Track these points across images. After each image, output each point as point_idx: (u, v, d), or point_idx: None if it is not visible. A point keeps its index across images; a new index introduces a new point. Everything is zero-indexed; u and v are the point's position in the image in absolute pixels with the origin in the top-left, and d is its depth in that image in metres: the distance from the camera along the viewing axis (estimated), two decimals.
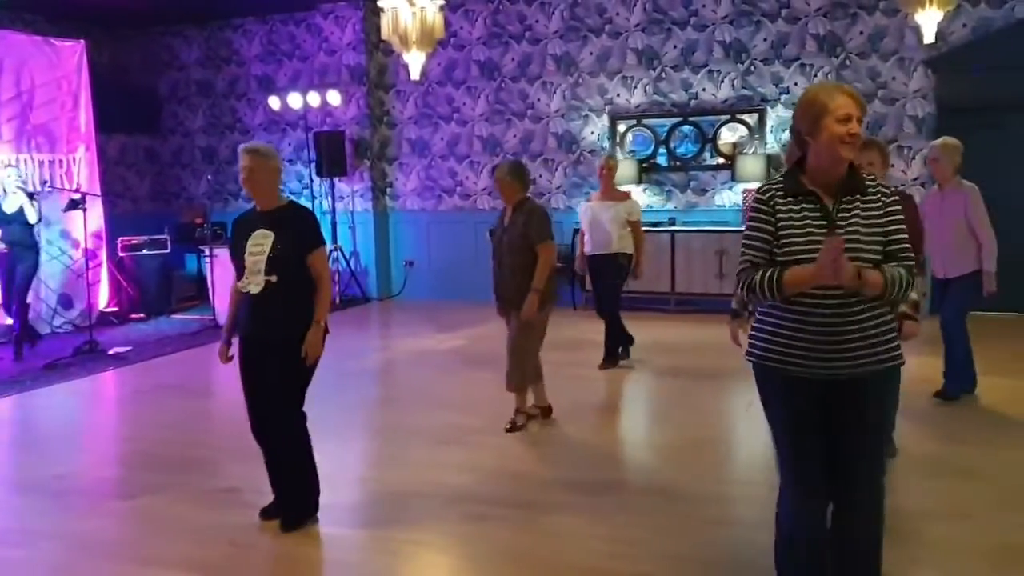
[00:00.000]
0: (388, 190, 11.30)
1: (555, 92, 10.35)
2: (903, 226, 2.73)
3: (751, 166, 9.33)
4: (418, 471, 4.74)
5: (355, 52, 11.03)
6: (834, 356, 2.66)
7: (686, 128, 9.84)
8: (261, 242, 3.93)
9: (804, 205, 2.72)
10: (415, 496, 4.40)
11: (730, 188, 9.68)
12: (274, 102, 11.10)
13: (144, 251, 10.44)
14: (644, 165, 9.95)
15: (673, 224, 9.68)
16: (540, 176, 10.37)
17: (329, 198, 10.96)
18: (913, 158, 8.96)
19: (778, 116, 9.43)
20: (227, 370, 4.20)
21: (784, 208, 2.73)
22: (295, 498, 4.07)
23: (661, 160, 9.98)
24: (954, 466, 4.65)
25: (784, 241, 2.71)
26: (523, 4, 10.37)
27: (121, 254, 10.34)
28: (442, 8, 7.20)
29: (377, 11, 7.46)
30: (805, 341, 2.68)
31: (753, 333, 2.84)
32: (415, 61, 7.35)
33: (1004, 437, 5.14)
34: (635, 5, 9.90)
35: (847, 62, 9.18)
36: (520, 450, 5.11)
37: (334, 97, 10.86)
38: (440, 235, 11.00)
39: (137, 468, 5.06)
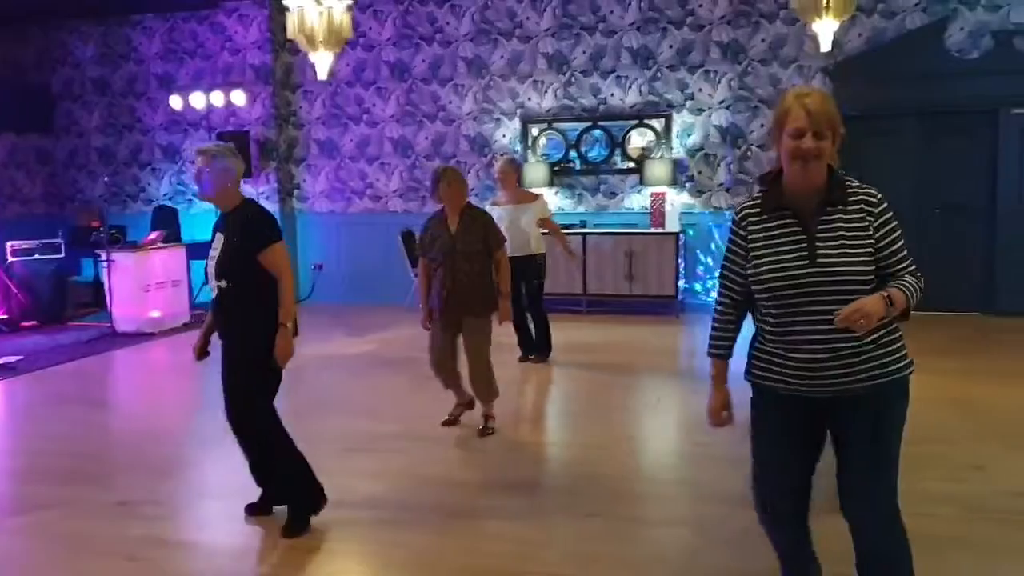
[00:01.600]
0: (296, 192, 11.08)
1: (467, 95, 10.32)
2: (899, 234, 2.54)
3: (658, 170, 9.49)
4: (328, 479, 4.62)
5: (260, 51, 10.78)
6: (830, 374, 2.51)
7: (596, 132, 9.96)
8: (217, 246, 3.87)
9: (780, 221, 2.55)
10: (327, 505, 4.31)
11: (639, 192, 9.83)
12: (175, 101, 10.74)
13: (36, 256, 9.93)
14: (556, 168, 10.02)
15: (584, 227, 9.77)
16: None
17: None
18: None
19: (684, 121, 9.62)
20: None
21: (757, 227, 2.58)
22: (287, 500, 4.01)
23: (572, 164, 10.06)
24: None
25: (756, 261, 2.56)
26: (433, 6, 10.31)
27: (11, 259, 9.82)
28: (350, 8, 7.09)
29: (283, 10, 7.29)
30: (798, 361, 2.53)
31: (753, 352, 2.70)
32: (322, 61, 7.22)
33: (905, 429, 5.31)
34: (544, 10, 9.97)
35: (749, 69, 9.43)
36: (434, 455, 5.06)
37: (238, 97, 10.59)
38: (350, 238, 10.84)
39: (28, 482, 4.80)
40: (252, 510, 4.12)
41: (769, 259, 2.52)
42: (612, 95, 9.86)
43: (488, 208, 6.83)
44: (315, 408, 5.94)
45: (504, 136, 10.24)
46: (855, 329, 2.37)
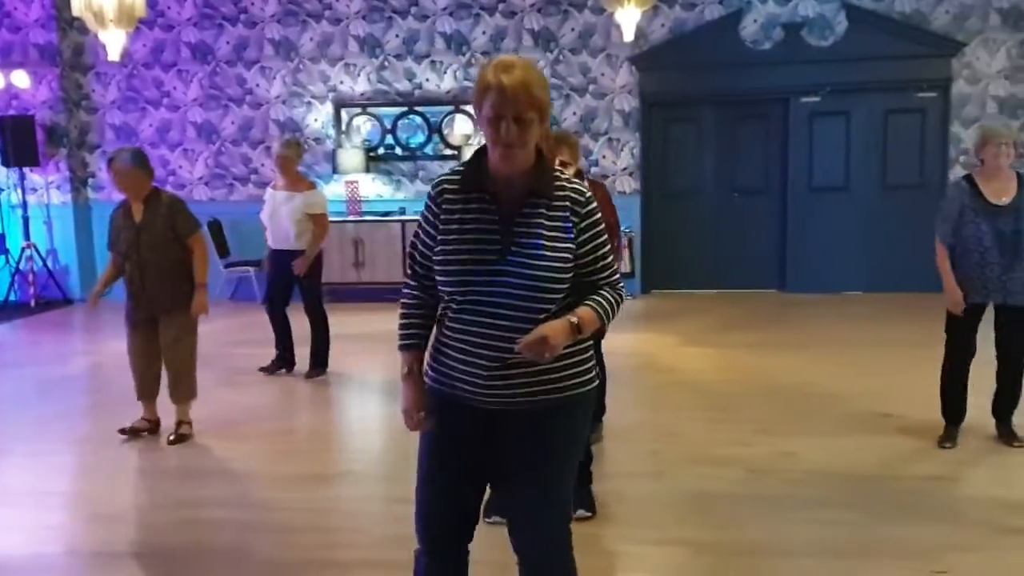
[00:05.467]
0: (90, 181, 10.29)
1: (275, 78, 9.93)
2: (604, 239, 2.26)
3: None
4: (130, 479, 4.36)
5: (44, 30, 9.90)
6: (505, 383, 2.19)
7: (413, 118, 9.85)
8: None
9: (478, 204, 2.21)
10: (132, 510, 4.07)
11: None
12: None
13: None
14: (372, 154, 9.84)
15: (403, 214, 9.66)
16: (263, 165, 9.94)
17: (19, 191, 9.79)
18: (622, 150, 9.57)
19: None
20: None
21: (453, 205, 2.23)
22: None
23: (389, 149, 9.91)
24: (655, 429, 5.01)
25: (443, 243, 2.21)
26: None
27: None
28: None
29: None
30: (472, 364, 2.20)
31: (431, 349, 2.36)
32: (113, 41, 6.72)
33: (699, 399, 5.63)
34: None
35: (560, 57, 9.61)
36: (238, 450, 4.84)
37: (21, 78, 9.70)
38: None
39: None
40: None
41: (456, 245, 2.19)
42: (427, 80, 9.78)
43: (268, 191, 6.43)
44: (114, 407, 5.50)
45: (316, 120, 9.94)
46: (538, 360, 2.11)
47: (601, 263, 2.25)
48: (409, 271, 2.38)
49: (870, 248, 9.33)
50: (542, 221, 2.18)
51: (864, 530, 3.63)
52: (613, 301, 2.25)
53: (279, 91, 9.95)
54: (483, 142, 2.22)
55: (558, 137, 4.08)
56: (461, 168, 2.28)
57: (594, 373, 2.32)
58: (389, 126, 9.85)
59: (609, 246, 2.29)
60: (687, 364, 6.59)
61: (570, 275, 2.19)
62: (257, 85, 9.96)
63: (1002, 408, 4.65)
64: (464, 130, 9.74)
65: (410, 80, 9.80)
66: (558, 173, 2.25)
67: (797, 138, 9.43)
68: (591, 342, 2.31)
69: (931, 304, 5.37)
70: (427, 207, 2.29)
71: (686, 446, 4.74)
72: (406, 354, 2.37)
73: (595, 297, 2.23)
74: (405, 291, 2.39)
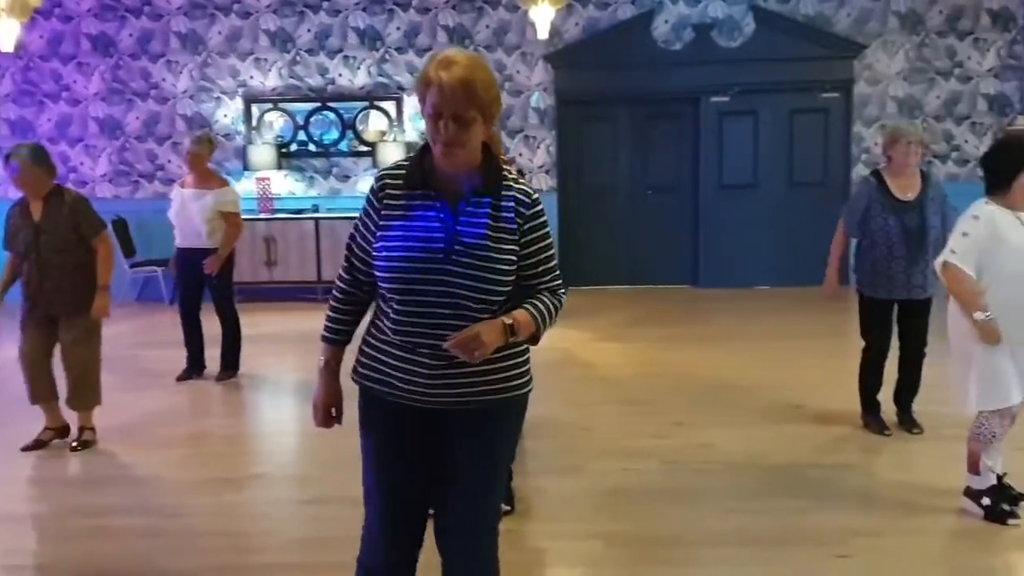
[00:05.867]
0: None
1: (182, 72, 9.63)
2: (548, 243, 2.23)
3: (392, 153, 9.39)
4: (31, 488, 4.17)
5: None
6: (445, 383, 2.15)
7: (327, 114, 9.68)
8: None
9: (422, 201, 2.15)
10: (33, 519, 3.91)
11: (372, 175, 9.70)
12: None
13: None
14: (284, 151, 9.64)
15: (316, 211, 9.49)
16: (170, 161, 9.63)
17: None
18: (538, 147, 9.60)
19: (416, 105, 9.59)
20: None
21: (396, 201, 2.16)
22: None
23: (302, 146, 9.73)
24: (572, 425, 5.04)
25: (384, 239, 2.15)
26: None
27: None
28: None
29: None
30: (412, 363, 2.15)
31: (362, 347, 2.30)
32: (7, 32, 6.42)
33: (615, 393, 5.69)
34: None
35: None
36: (144, 456, 4.67)
37: None
38: None
39: None
40: None
41: (398, 242, 2.13)
42: (340, 75, 9.63)
43: (174, 188, 6.22)
44: (6, 413, 5.27)
45: (226, 116, 9.68)
46: (468, 359, 2.06)
47: (543, 267, 2.22)
48: (345, 264, 2.31)
49: (778, 244, 9.57)
50: (487, 221, 2.13)
51: (776, 518, 3.71)
52: (552, 307, 2.21)
53: (186, 86, 9.66)
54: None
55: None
56: (405, 163, 2.22)
57: (531, 376, 2.29)
58: (301, 122, 9.66)
59: (553, 251, 2.26)
60: (603, 359, 6.65)
61: (514, 276, 2.16)
62: (163, 79, 9.65)
63: (904, 397, 4.82)
64: (379, 126, 9.62)
65: (323, 75, 9.64)
66: (505, 173, 2.21)
67: (708, 137, 9.61)
68: (529, 344, 2.27)
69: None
70: (368, 201, 2.22)
71: (603, 440, 4.78)
72: (328, 347, 2.32)
73: (534, 301, 2.18)
74: (338, 284, 2.33)
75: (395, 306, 2.16)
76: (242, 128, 9.64)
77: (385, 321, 2.20)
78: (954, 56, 9.37)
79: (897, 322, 4.74)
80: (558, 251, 8.57)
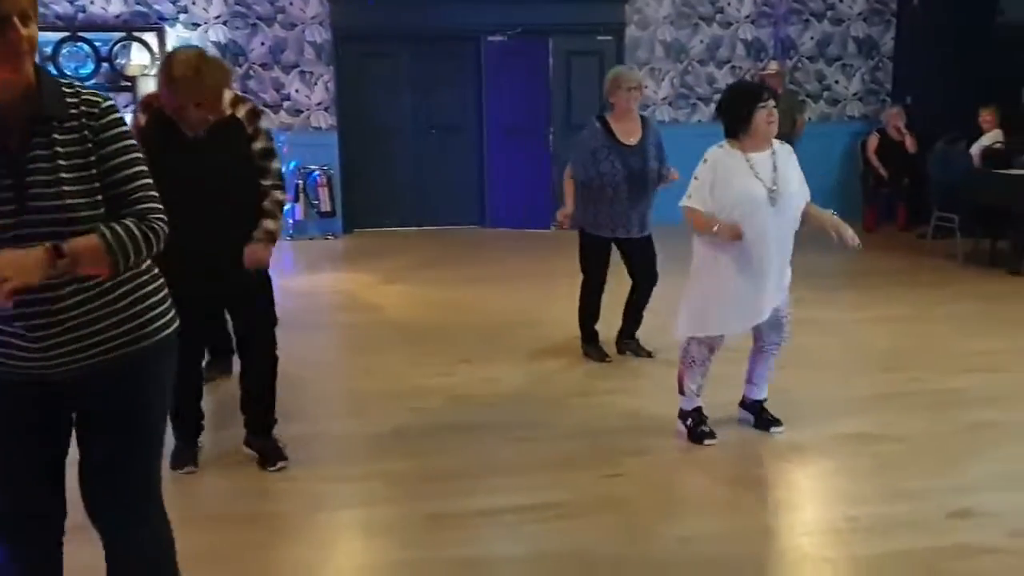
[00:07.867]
0: None
1: None
2: (133, 156, 1.86)
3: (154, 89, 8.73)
4: None
5: None
6: (60, 351, 1.85)
7: (81, 46, 8.79)
8: None
9: None
10: None
11: (132, 113, 8.94)
12: None
13: None
14: None
15: None
16: None
17: None
18: (315, 84, 9.22)
19: (179, 36, 8.92)
20: None
21: None
22: None
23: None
24: (355, 368, 4.97)
25: None
26: None
27: None
28: None
29: None
30: (17, 336, 1.83)
31: None
32: None
33: (401, 335, 5.64)
34: None
35: None
36: None
37: None
38: None
39: None
40: None
41: None
42: (93, 3, 8.77)
43: None
44: None
45: None
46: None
47: (131, 184, 1.84)
48: None
49: (558, 186, 9.77)
50: (58, 151, 1.76)
51: (555, 445, 3.84)
52: (136, 233, 1.80)
53: None
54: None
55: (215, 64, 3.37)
56: None
57: (172, 314, 2.02)
58: (50, 53, 8.73)
59: (144, 167, 1.89)
60: (388, 301, 6.57)
61: (100, 207, 1.82)
62: None
63: (630, 327, 5.11)
64: (141, 60, 8.87)
65: (72, 3, 8.73)
66: (67, 87, 1.83)
67: (489, 76, 9.61)
68: (155, 274, 1.99)
69: None
70: None
71: (387, 382, 4.73)
72: None
73: (112, 225, 1.79)
74: None
75: None
76: None
77: None
78: (716, 2, 9.88)
79: (624, 262, 5.00)
80: (341, 192, 8.36)
